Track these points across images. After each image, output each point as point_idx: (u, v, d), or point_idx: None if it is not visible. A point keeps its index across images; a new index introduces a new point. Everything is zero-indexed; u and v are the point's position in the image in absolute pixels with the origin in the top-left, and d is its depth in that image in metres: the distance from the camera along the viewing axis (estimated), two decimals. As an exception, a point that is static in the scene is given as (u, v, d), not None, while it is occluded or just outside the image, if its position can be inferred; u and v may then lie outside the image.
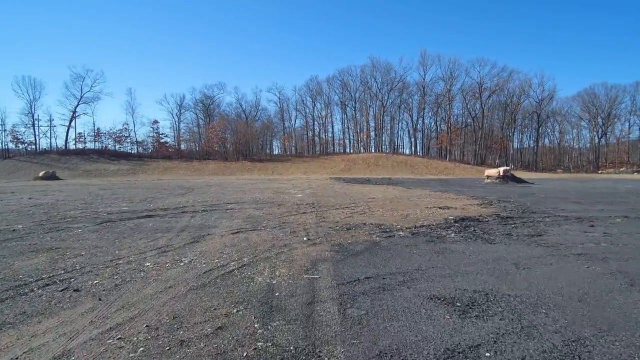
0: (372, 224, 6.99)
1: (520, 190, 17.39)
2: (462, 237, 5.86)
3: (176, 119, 69.61)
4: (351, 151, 70.95)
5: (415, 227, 6.70)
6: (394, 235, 5.91)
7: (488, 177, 22.10)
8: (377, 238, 5.68)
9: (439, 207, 9.83)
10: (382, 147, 69.21)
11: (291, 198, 12.85)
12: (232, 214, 8.24)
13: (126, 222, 7.23)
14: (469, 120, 66.70)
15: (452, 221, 7.44)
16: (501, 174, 21.47)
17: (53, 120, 58.95)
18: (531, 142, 73.52)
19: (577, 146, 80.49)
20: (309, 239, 5.54)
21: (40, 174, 30.62)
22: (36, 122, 57.28)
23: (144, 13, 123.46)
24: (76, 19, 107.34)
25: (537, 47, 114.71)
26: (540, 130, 66.46)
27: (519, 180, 21.82)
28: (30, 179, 31.35)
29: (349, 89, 71.18)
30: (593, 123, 72.65)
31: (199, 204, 10.57)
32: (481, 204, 10.82)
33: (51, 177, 30.59)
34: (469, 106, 63.56)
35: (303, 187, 19.64)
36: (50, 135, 60.59)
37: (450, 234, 6.08)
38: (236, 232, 6.01)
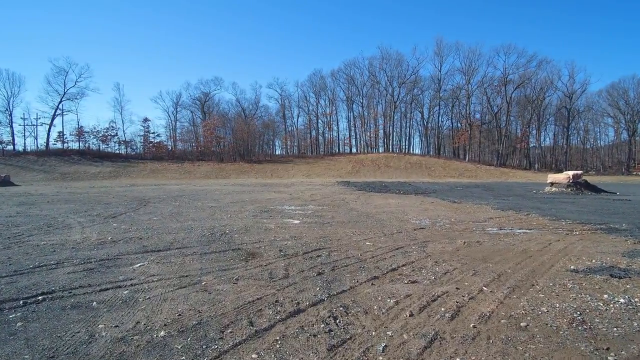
0: None
1: (624, 208, 11.76)
2: None
3: (172, 118, 64.72)
4: (358, 151, 65.44)
5: None
6: None
7: (553, 183, 16.48)
8: None
9: (613, 276, 4.29)
10: (391, 146, 63.59)
11: (281, 228, 7.41)
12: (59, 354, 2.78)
13: None
14: (487, 117, 60.81)
15: None
16: (572, 180, 15.84)
17: (40, 119, 54.17)
18: (552, 140, 67.30)
19: (600, 145, 74.15)
20: None
21: (-11, 179, 25.56)
22: (24, 120, 52.46)
23: (134, 7, 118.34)
24: (60, 12, 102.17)
25: (555, 42, 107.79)
26: (569, 128, 60.17)
27: (596, 189, 16.19)
28: (-21, 184, 26.30)
29: (355, 83, 65.72)
30: (623, 120, 66.21)
31: (70, 258, 5.16)
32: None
33: (2, 183, 25.49)
34: (490, 101, 57.60)
35: (304, 200, 14.18)
36: (37, 134, 55.64)
37: None
38: None
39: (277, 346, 2.50)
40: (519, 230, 7.39)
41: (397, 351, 2.46)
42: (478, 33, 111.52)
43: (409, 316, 3.04)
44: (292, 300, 3.37)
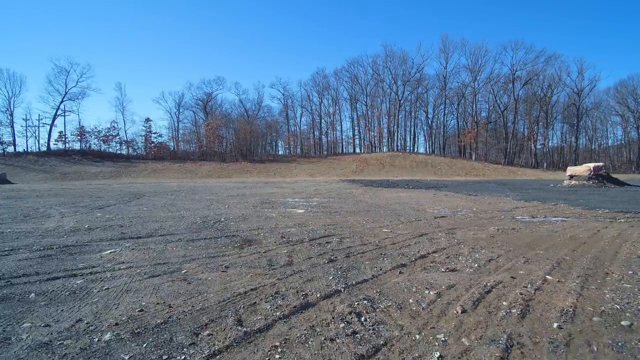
0: None
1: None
2: None
3: (175, 119, 64.05)
4: (362, 151, 64.45)
5: None
6: None
7: (572, 176, 15.49)
8: None
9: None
10: (395, 146, 62.52)
11: (283, 217, 6.54)
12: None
13: None
14: (493, 115, 59.59)
15: None
16: (592, 172, 14.85)
17: (41, 119, 53.74)
18: (559, 139, 65.88)
19: (608, 144, 72.69)
20: None
21: (-16, 178, 24.92)
22: (26, 121, 52.00)
23: (135, 8, 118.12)
24: (61, 11, 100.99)
25: (562, 41, 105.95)
26: (578, 126, 58.77)
27: (618, 182, 15.18)
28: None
29: (359, 82, 64.75)
30: (632, 118, 64.68)
31: (30, 245, 4.35)
32: None
33: (-3, 180, 24.87)
34: (497, 99, 56.44)
35: (308, 193, 13.31)
36: (38, 134, 55.16)
37: None
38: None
39: (277, 356, 1.64)
40: (554, 219, 6.48)
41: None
42: (484, 35, 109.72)
43: (462, 313, 2.17)
44: (297, 292, 2.50)
